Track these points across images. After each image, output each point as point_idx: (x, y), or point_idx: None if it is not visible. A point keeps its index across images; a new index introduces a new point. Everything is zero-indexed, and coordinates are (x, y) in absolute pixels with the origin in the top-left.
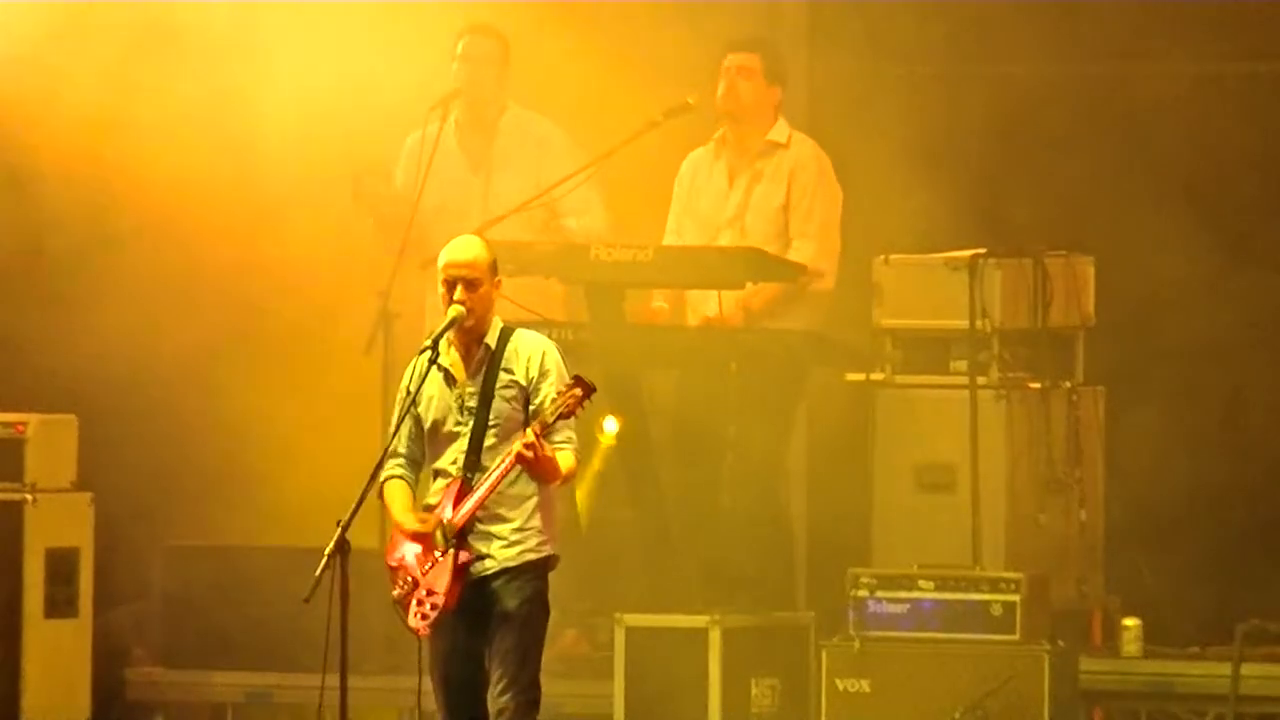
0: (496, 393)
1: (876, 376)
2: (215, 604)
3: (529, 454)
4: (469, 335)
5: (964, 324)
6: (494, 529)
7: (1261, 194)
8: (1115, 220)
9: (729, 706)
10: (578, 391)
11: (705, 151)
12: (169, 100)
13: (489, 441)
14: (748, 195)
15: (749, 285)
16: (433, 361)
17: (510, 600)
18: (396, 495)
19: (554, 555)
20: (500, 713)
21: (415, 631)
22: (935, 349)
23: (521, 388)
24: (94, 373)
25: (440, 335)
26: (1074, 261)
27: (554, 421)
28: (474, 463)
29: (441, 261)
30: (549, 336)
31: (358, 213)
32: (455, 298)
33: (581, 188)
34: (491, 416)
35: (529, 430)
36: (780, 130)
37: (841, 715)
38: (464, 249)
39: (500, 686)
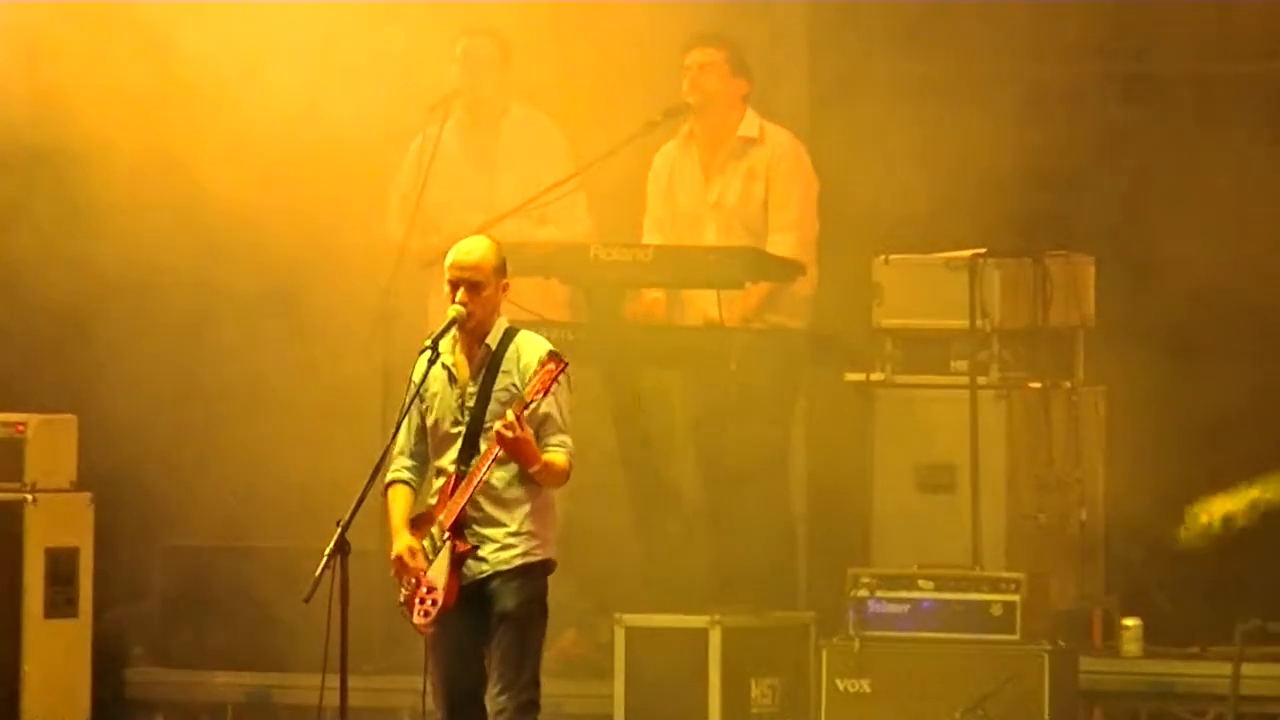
0: (493, 394)
1: (876, 376)
2: (215, 604)
3: (508, 434)
4: (472, 336)
5: (964, 324)
6: (488, 532)
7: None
8: (1116, 219)
9: (729, 706)
10: (551, 367)
11: (675, 145)
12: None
13: (485, 442)
14: (731, 195)
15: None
16: (432, 362)
17: (509, 600)
18: (396, 503)
19: (550, 559)
20: (499, 713)
21: (420, 630)
22: (935, 349)
23: (518, 390)
24: (94, 372)
25: (440, 336)
26: (1074, 261)
27: (531, 400)
28: (469, 461)
29: (447, 262)
30: (548, 337)
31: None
32: (456, 299)
33: (569, 195)
34: (488, 418)
35: (509, 412)
36: (750, 123)
37: (841, 715)
38: (469, 251)
39: (499, 687)
